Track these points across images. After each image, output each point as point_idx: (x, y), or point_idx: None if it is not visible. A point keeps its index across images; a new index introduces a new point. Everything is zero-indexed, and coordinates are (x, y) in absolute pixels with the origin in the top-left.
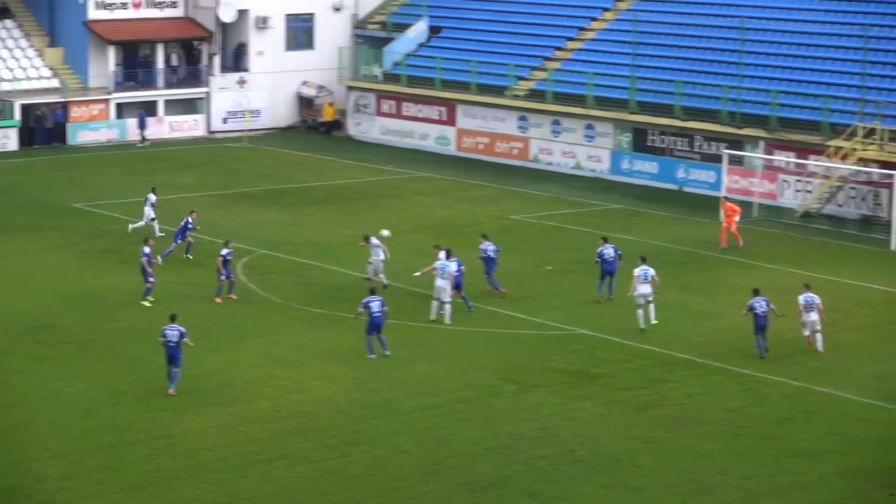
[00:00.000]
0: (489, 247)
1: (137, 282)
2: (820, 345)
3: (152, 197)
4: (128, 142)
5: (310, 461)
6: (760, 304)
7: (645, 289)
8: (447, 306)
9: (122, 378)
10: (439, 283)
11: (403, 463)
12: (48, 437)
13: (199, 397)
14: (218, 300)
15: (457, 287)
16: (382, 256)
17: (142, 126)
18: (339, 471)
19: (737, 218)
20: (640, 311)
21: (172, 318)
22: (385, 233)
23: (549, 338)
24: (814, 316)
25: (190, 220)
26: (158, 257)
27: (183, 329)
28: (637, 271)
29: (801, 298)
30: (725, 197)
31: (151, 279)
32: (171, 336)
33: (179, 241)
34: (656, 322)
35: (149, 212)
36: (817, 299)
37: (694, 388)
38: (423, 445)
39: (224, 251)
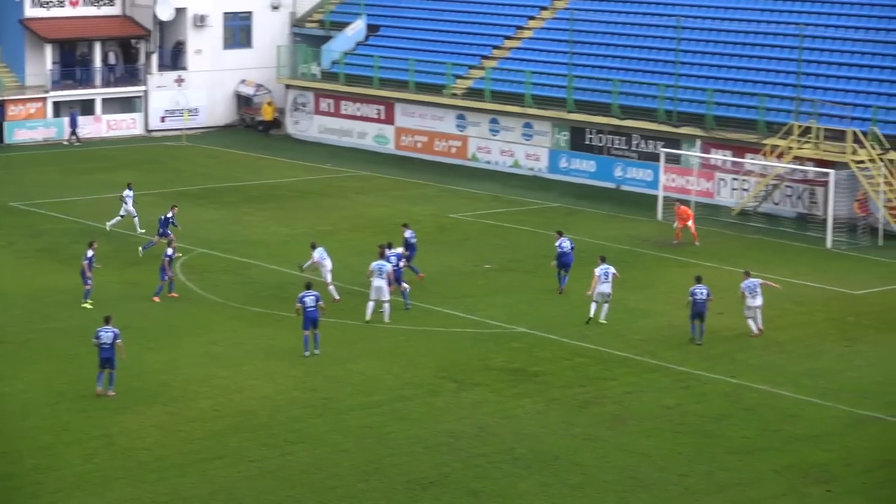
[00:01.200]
0: (411, 235)
1: (76, 282)
2: (760, 322)
3: (129, 192)
4: (65, 140)
5: (249, 460)
6: (701, 292)
7: (605, 288)
8: (386, 305)
9: (60, 378)
10: (376, 283)
11: (343, 461)
12: None
13: (137, 397)
14: (156, 299)
15: (396, 280)
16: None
17: (73, 125)
18: (279, 470)
19: (690, 222)
20: (594, 305)
21: (107, 320)
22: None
23: (487, 336)
24: (759, 301)
25: (170, 214)
26: (140, 249)
27: (117, 331)
28: (597, 270)
29: (743, 285)
30: (679, 201)
31: (90, 282)
32: (104, 338)
33: (161, 237)
34: (605, 322)
35: (129, 208)
36: (759, 281)
37: (632, 386)
38: (362, 444)
39: (169, 251)
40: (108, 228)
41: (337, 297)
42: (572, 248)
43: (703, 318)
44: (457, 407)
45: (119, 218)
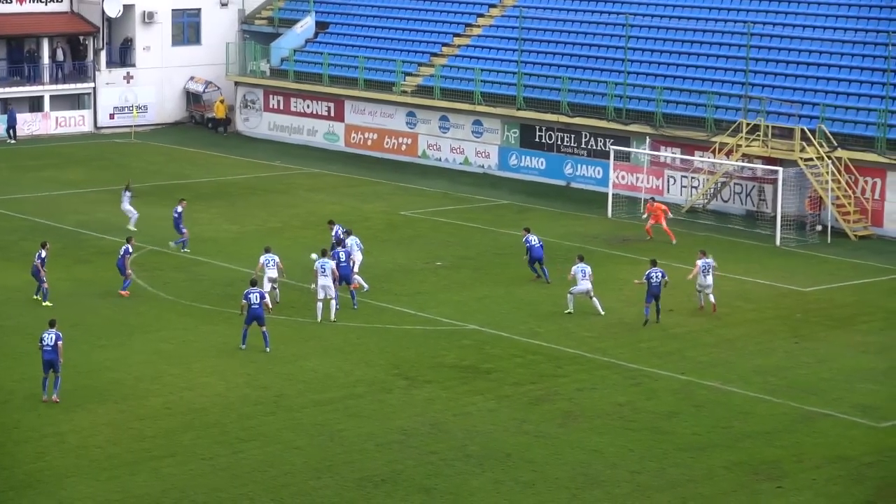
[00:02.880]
0: (339, 229)
1: (25, 279)
2: (713, 299)
3: (127, 193)
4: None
5: (201, 458)
6: (656, 275)
7: (585, 285)
8: (333, 302)
9: (9, 375)
10: (322, 281)
11: (295, 459)
12: None
13: (88, 394)
14: (125, 293)
15: (345, 280)
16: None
17: (11, 123)
18: (231, 467)
19: (664, 220)
20: (571, 297)
21: (51, 324)
22: (314, 257)
23: (439, 333)
24: (710, 280)
25: (180, 209)
26: (171, 243)
27: (59, 333)
28: (575, 269)
29: (700, 262)
30: (652, 198)
31: (45, 282)
32: (46, 340)
33: (183, 230)
34: (603, 314)
35: (126, 207)
36: (714, 262)
37: (583, 383)
38: (314, 441)
39: (129, 247)
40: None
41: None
42: (541, 244)
43: (659, 299)
44: (409, 404)
45: (135, 215)
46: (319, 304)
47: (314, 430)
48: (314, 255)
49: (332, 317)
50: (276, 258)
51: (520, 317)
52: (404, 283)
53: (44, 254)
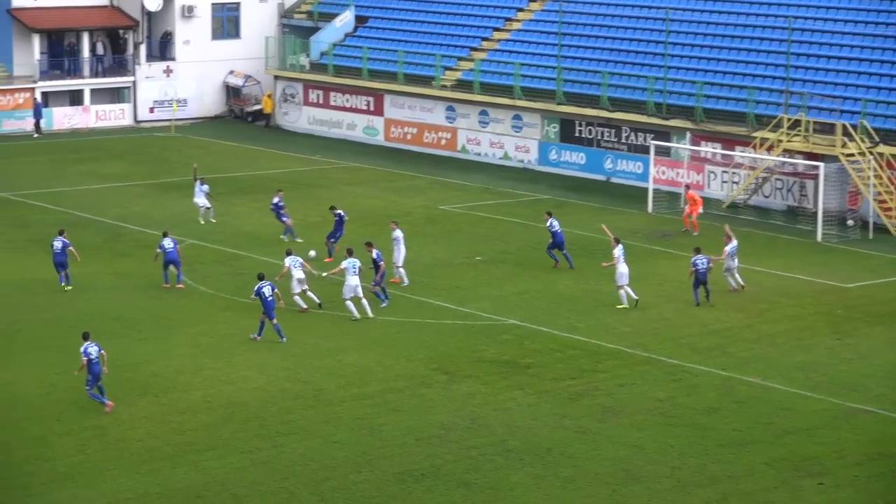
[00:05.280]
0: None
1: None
2: (740, 279)
3: (205, 187)
4: (53, 131)
5: (241, 451)
6: (702, 262)
7: (624, 268)
8: (363, 301)
9: (50, 368)
10: (351, 280)
11: (335, 453)
12: None
13: (128, 388)
14: (181, 286)
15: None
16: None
17: (37, 117)
18: (271, 461)
19: (700, 209)
20: (623, 292)
21: (87, 336)
22: (312, 253)
23: (478, 328)
24: (737, 262)
25: (277, 199)
26: (282, 237)
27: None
28: (618, 250)
29: (727, 248)
30: (687, 185)
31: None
32: (94, 353)
33: (286, 220)
34: (637, 298)
35: (198, 200)
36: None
37: (623, 379)
38: (354, 435)
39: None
40: (212, 220)
41: (304, 306)
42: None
43: (706, 283)
44: (448, 399)
45: (208, 208)
46: (349, 303)
47: (354, 424)
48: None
49: (370, 313)
50: (300, 259)
51: (559, 312)
52: (444, 278)
53: (59, 243)
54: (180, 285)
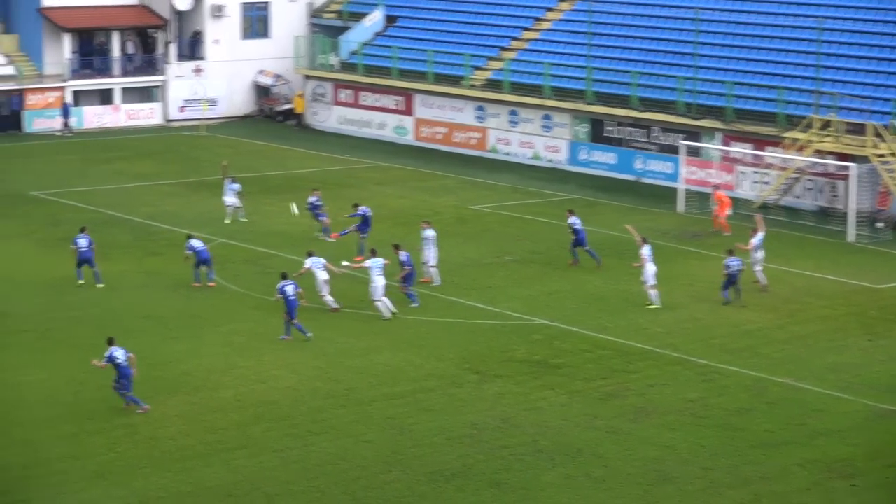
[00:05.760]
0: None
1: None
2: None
3: (235, 185)
4: (84, 130)
5: (272, 450)
6: (735, 263)
7: (652, 267)
8: (385, 299)
9: (82, 366)
10: (379, 280)
11: (366, 452)
12: (9, 426)
13: (159, 386)
14: (198, 285)
15: (406, 280)
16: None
17: (66, 115)
18: (302, 460)
19: (728, 209)
20: (653, 292)
21: (112, 342)
22: (294, 209)
23: (509, 328)
24: (761, 255)
25: (314, 199)
26: (319, 234)
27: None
28: (645, 250)
29: (754, 240)
30: (716, 186)
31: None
32: (121, 356)
33: (323, 218)
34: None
35: (228, 198)
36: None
37: (654, 379)
38: (385, 435)
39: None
40: (242, 219)
41: (335, 305)
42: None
43: (738, 283)
44: (479, 399)
45: (238, 207)
46: (378, 304)
47: (385, 423)
48: (294, 208)
49: (394, 308)
50: (323, 260)
51: (590, 312)
52: (474, 278)
53: (84, 241)
54: (211, 283)
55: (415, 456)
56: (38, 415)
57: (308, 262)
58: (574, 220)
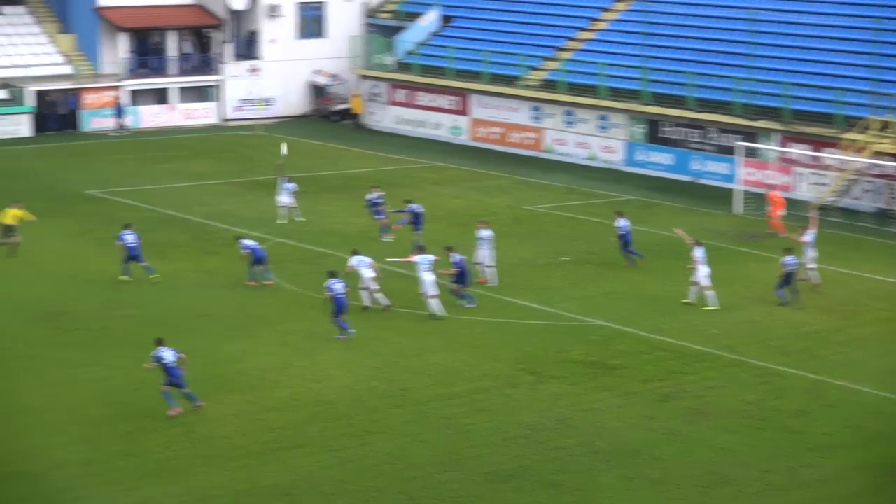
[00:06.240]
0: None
1: (154, 269)
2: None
3: (291, 184)
4: (140, 129)
5: (329, 450)
6: (792, 262)
7: (705, 269)
8: (435, 299)
9: (139, 365)
10: (428, 277)
11: (422, 452)
12: (67, 423)
13: (216, 385)
14: (254, 284)
15: (463, 282)
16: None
17: (119, 115)
18: (359, 459)
19: (782, 210)
20: (710, 293)
21: (161, 342)
22: (284, 149)
23: (565, 328)
24: (812, 253)
25: (373, 197)
26: (383, 237)
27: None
28: (698, 252)
29: (805, 237)
30: (770, 186)
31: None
32: (169, 357)
33: (381, 217)
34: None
35: (282, 198)
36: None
37: (712, 381)
38: (441, 435)
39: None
40: (298, 219)
41: (386, 302)
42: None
43: (794, 284)
44: (535, 399)
45: (293, 207)
46: (431, 301)
47: (441, 423)
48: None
49: (441, 310)
50: (369, 259)
51: (646, 313)
52: (530, 278)
53: (131, 237)
54: (268, 283)
55: (471, 456)
56: (95, 412)
57: (353, 261)
58: (622, 223)
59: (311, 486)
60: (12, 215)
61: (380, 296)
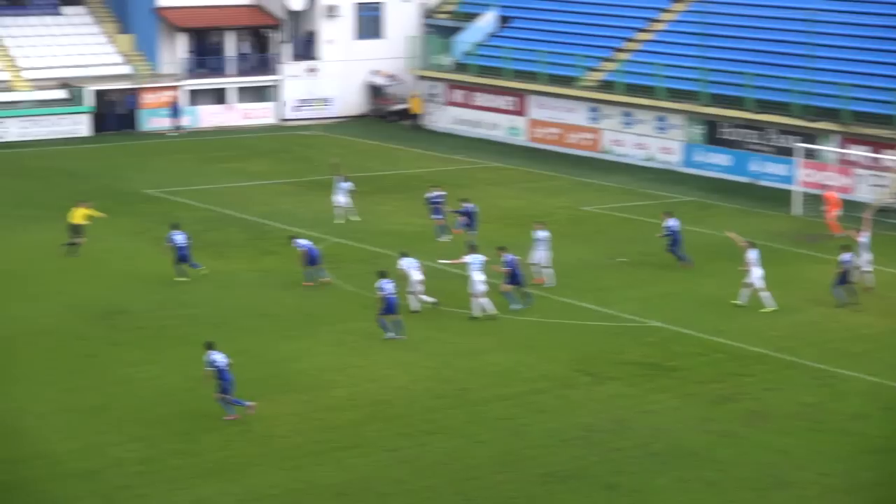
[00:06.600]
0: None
1: (211, 268)
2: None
3: (347, 184)
4: (199, 129)
5: (385, 450)
6: (849, 260)
7: (759, 271)
8: (484, 300)
9: (196, 364)
10: (479, 276)
11: (479, 453)
12: (124, 421)
13: (273, 384)
14: (328, 279)
15: (517, 282)
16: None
17: (175, 115)
18: (415, 460)
19: (838, 210)
20: (764, 294)
21: (212, 346)
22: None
23: (622, 330)
24: (866, 256)
25: (433, 196)
26: (442, 238)
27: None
28: (751, 254)
29: (862, 237)
30: (827, 186)
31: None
32: (222, 361)
33: (439, 217)
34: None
35: (344, 198)
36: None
37: (769, 383)
38: (498, 436)
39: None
40: (353, 218)
41: (432, 299)
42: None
43: (852, 283)
44: (592, 400)
45: (349, 207)
46: (481, 301)
47: (498, 424)
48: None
49: (492, 309)
50: (418, 262)
51: (703, 314)
52: (587, 279)
53: (180, 237)
54: (326, 280)
55: (528, 457)
56: (153, 412)
57: (404, 263)
58: (672, 223)
59: (366, 485)
60: (81, 215)
61: (424, 296)
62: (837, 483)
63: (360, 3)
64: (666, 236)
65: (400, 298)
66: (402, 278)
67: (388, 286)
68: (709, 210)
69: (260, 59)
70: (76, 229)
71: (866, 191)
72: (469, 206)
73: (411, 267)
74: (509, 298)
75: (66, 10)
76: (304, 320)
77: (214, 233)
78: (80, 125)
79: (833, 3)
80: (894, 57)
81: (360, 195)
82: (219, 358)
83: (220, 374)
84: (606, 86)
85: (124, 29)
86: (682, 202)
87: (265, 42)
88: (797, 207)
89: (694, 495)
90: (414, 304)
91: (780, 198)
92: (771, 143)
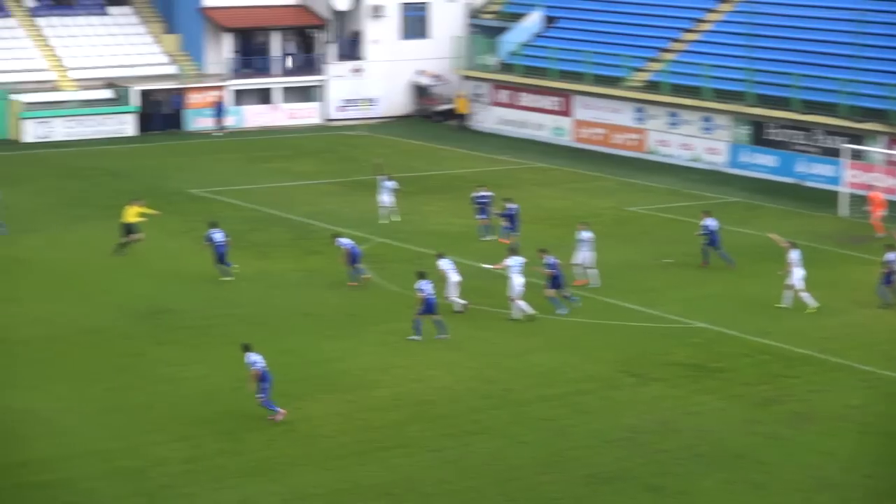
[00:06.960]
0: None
1: (256, 268)
2: None
3: (391, 183)
4: (244, 129)
5: (429, 450)
6: (895, 259)
7: (801, 272)
8: (521, 302)
9: (241, 363)
10: (520, 279)
11: (523, 453)
12: (169, 420)
13: (317, 384)
14: (368, 276)
15: (558, 284)
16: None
17: (219, 115)
18: (459, 460)
19: (882, 210)
20: (805, 295)
21: (249, 347)
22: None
23: (667, 331)
24: None
25: (479, 195)
26: (489, 238)
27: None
28: (793, 254)
29: None
30: (871, 187)
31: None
32: (261, 361)
33: (483, 217)
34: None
35: (388, 198)
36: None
37: (815, 385)
38: (542, 436)
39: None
40: (395, 219)
41: (462, 302)
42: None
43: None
44: (637, 401)
45: (392, 207)
46: (519, 303)
47: (542, 424)
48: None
49: (530, 310)
50: (452, 262)
51: (749, 315)
52: (632, 280)
53: (221, 236)
54: (366, 276)
55: (572, 458)
56: (198, 411)
57: (441, 264)
58: (710, 222)
59: (410, 485)
60: (134, 213)
61: (455, 298)
62: (883, 486)
63: (405, 3)
64: (703, 235)
65: (439, 298)
66: (441, 279)
67: (426, 287)
68: (754, 211)
69: (305, 59)
70: (129, 228)
71: None
72: (512, 206)
73: (449, 268)
74: (554, 303)
75: (112, 10)
76: (347, 320)
77: (259, 233)
78: (125, 125)
79: (880, 3)
80: None
81: (405, 195)
82: (258, 359)
83: (263, 375)
84: (652, 86)
85: (170, 29)
86: (728, 203)
87: (311, 42)
88: (844, 209)
89: (740, 497)
90: (458, 305)
91: (826, 199)
92: (817, 144)
